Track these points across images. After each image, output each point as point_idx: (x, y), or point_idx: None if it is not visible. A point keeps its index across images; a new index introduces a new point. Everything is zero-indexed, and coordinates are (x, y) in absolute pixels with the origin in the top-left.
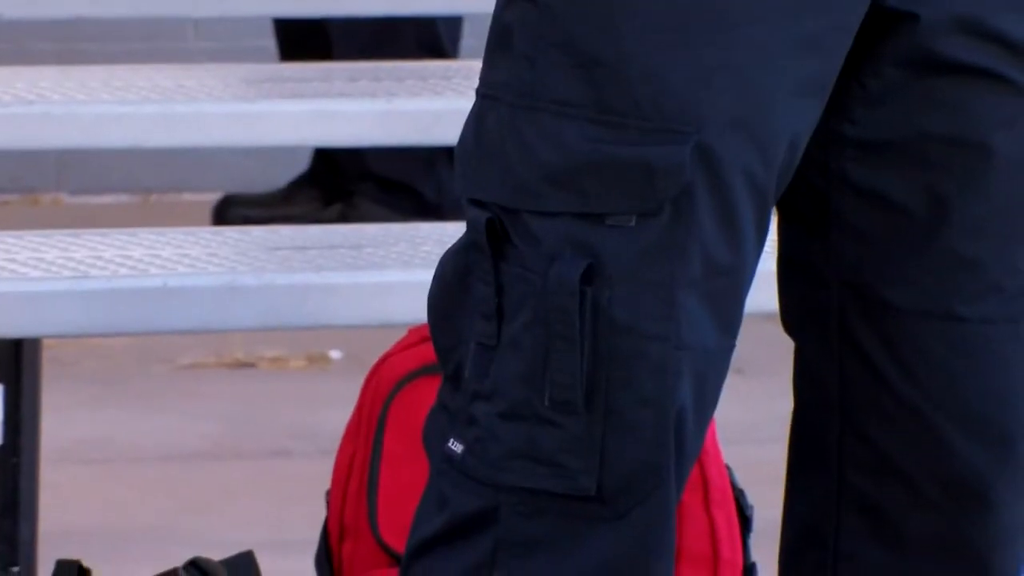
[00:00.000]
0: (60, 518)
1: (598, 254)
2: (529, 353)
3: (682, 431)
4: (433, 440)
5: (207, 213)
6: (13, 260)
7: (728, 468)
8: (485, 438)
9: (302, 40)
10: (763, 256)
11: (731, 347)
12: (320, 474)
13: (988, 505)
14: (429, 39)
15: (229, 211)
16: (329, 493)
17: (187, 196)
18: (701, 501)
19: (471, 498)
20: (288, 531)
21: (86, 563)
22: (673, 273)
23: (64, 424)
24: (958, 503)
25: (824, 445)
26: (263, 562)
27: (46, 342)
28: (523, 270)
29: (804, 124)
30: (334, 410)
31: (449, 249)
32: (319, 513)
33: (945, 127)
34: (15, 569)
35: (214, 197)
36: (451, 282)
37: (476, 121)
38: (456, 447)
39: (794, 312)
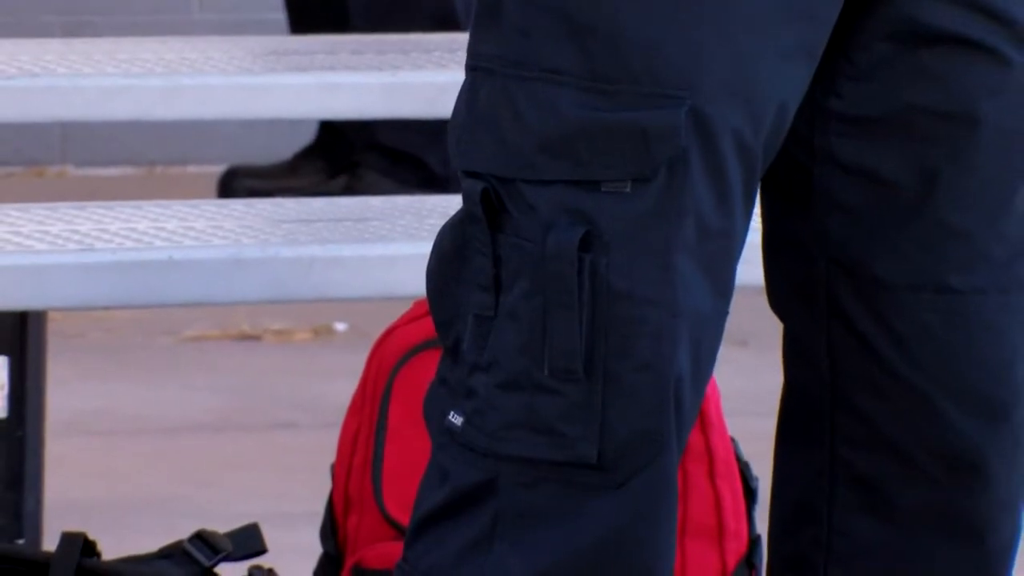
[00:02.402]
0: (65, 490)
1: (594, 221)
2: (527, 323)
3: (680, 397)
4: (433, 414)
5: (212, 185)
6: (18, 233)
7: (733, 440)
8: (484, 410)
9: (314, 11)
10: (760, 230)
11: (725, 312)
12: (325, 446)
13: (982, 477)
14: (443, 11)
15: (234, 183)
16: (334, 466)
17: (192, 168)
18: (706, 473)
19: (471, 470)
20: (293, 503)
21: (91, 535)
22: (669, 238)
23: (69, 396)
24: (952, 475)
25: (816, 422)
26: (268, 534)
27: (51, 314)
28: (519, 239)
29: (793, 90)
30: (339, 382)
31: (446, 222)
32: (324, 485)
33: (932, 99)
34: (20, 541)
35: (219, 169)
36: (448, 255)
37: (469, 94)
38: (456, 420)
39: (781, 290)
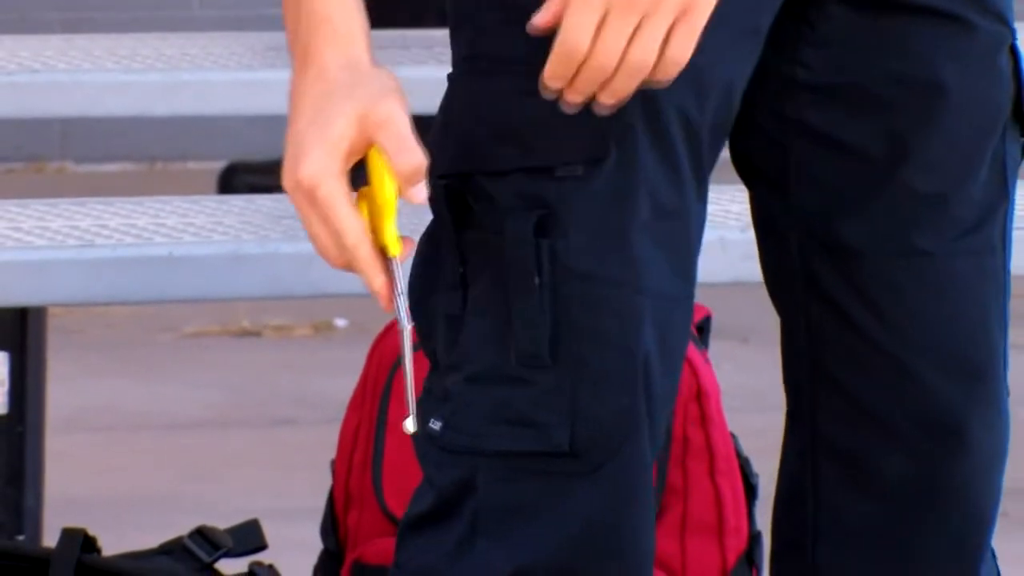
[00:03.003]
0: (65, 486)
1: (551, 205)
2: (493, 314)
3: (649, 377)
4: (420, 426)
5: (212, 181)
6: (18, 228)
7: (733, 436)
8: (459, 409)
9: None
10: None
11: (689, 296)
12: (325, 442)
13: (963, 441)
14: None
15: (234, 179)
16: (334, 462)
17: (192, 164)
18: (706, 469)
19: (451, 471)
20: (293, 499)
21: (91, 531)
22: (625, 217)
23: (69, 392)
24: (934, 441)
25: (799, 400)
26: (268, 530)
27: (51, 310)
28: (482, 232)
29: (740, 68)
30: (339, 378)
31: (423, 233)
32: (324, 481)
33: (896, 66)
34: (21, 537)
35: (219, 165)
36: (424, 264)
37: (442, 104)
38: (435, 425)
39: (768, 275)
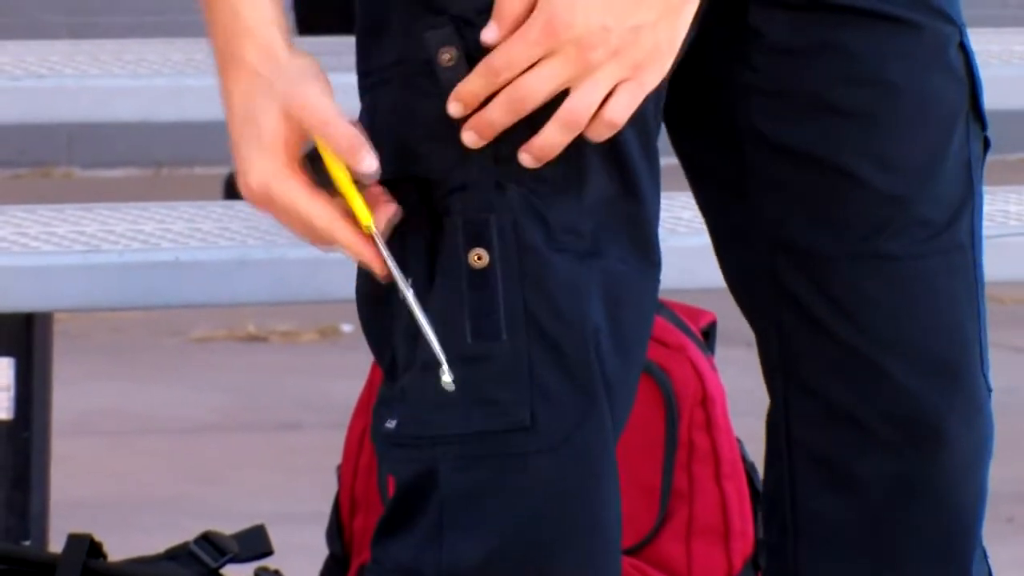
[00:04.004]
0: (71, 491)
1: (500, 184)
2: (447, 298)
3: (600, 352)
4: (375, 434)
5: (218, 186)
6: (24, 234)
7: (739, 441)
8: (414, 400)
9: (321, 13)
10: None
11: (652, 277)
12: (331, 446)
13: (943, 439)
14: None
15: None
16: (340, 467)
17: (198, 170)
18: (712, 474)
19: (410, 466)
20: (299, 503)
21: (97, 536)
22: (570, 195)
23: (75, 397)
24: (913, 441)
25: (774, 408)
26: (274, 535)
27: (57, 316)
28: (424, 222)
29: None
30: (345, 383)
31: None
32: (330, 485)
33: (844, 69)
34: (27, 542)
35: (225, 170)
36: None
37: (368, 115)
38: (391, 424)
39: (732, 280)
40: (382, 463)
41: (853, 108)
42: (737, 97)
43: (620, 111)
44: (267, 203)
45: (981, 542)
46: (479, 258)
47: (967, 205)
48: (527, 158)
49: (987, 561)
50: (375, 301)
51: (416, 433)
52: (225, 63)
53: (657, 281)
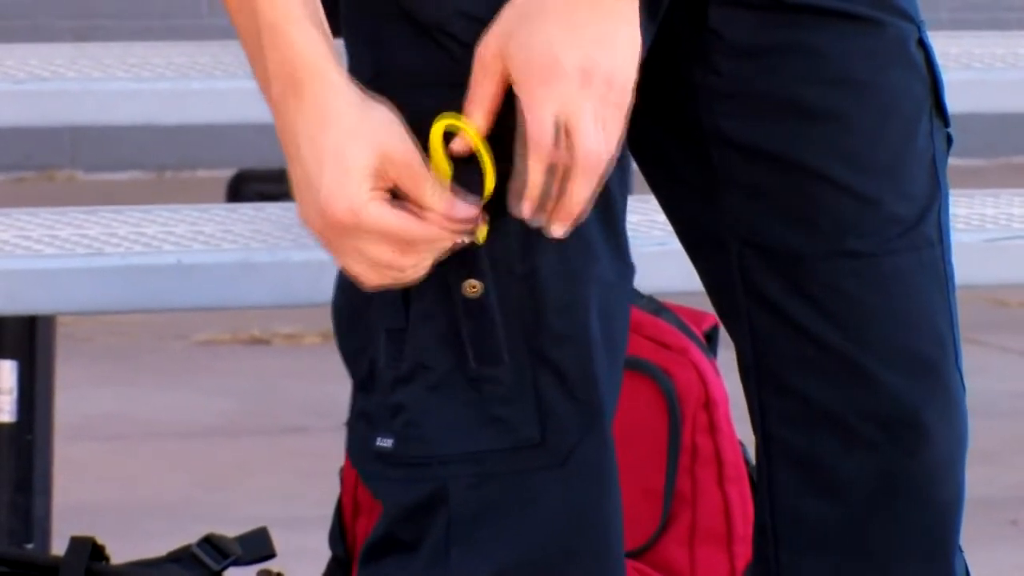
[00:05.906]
0: (74, 494)
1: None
2: (444, 319)
3: (597, 366)
4: (357, 450)
5: (221, 189)
6: (28, 237)
7: (742, 444)
8: (417, 419)
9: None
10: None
11: (628, 280)
12: (335, 450)
13: (923, 435)
14: None
15: (244, 187)
16: (343, 470)
17: (201, 173)
18: (715, 477)
19: (413, 486)
20: (302, 507)
21: (100, 539)
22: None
23: (78, 400)
24: (893, 438)
25: (750, 410)
26: (277, 538)
27: (60, 318)
28: None
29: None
30: (349, 386)
31: None
32: (333, 489)
33: (807, 68)
34: (29, 546)
35: (228, 173)
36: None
37: None
38: (386, 442)
39: (706, 282)
40: (369, 483)
41: (820, 108)
42: (701, 99)
43: (576, 200)
44: (354, 229)
45: (959, 538)
46: (472, 288)
47: (935, 200)
48: (558, 228)
49: (962, 554)
50: (355, 313)
51: (423, 453)
52: (290, 100)
53: (632, 283)
